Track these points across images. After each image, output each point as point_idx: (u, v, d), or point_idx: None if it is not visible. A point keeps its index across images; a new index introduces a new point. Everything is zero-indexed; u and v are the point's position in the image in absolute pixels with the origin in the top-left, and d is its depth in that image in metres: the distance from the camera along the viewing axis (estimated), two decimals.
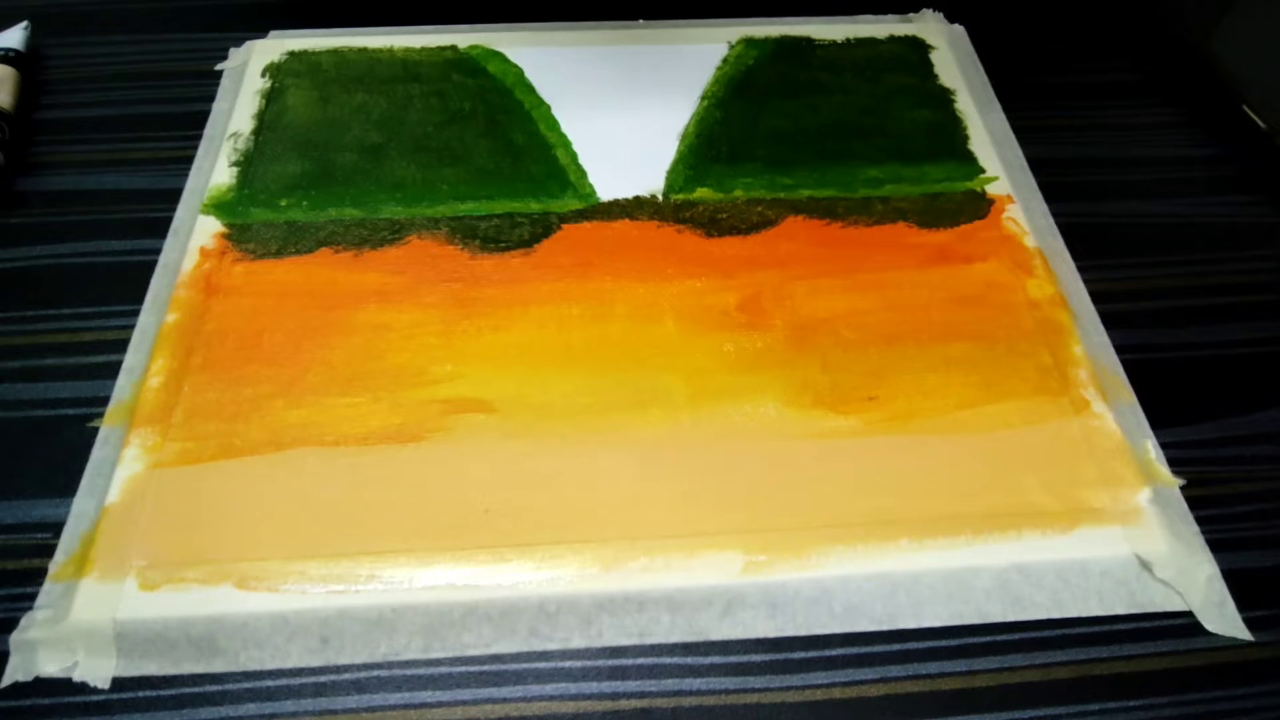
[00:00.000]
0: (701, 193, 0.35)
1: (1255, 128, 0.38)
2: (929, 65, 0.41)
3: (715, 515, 0.27)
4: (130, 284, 0.32)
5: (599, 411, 0.29)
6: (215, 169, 0.36)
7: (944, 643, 0.25)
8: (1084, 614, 0.25)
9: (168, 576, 0.25)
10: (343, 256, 0.33)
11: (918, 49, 0.42)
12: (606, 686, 0.24)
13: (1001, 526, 0.27)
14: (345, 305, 0.32)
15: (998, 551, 0.26)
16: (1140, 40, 0.43)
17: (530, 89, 0.39)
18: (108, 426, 0.28)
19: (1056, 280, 0.33)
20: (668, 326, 0.31)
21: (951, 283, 0.33)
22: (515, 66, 0.40)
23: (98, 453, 0.28)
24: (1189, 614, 0.26)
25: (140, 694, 0.24)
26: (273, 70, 0.40)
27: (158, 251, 0.33)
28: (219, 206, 0.35)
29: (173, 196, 0.35)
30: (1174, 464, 0.28)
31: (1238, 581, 0.26)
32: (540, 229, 0.34)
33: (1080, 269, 0.34)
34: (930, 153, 0.37)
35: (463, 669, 0.24)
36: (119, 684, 0.24)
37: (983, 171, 0.37)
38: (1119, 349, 0.31)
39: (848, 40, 0.42)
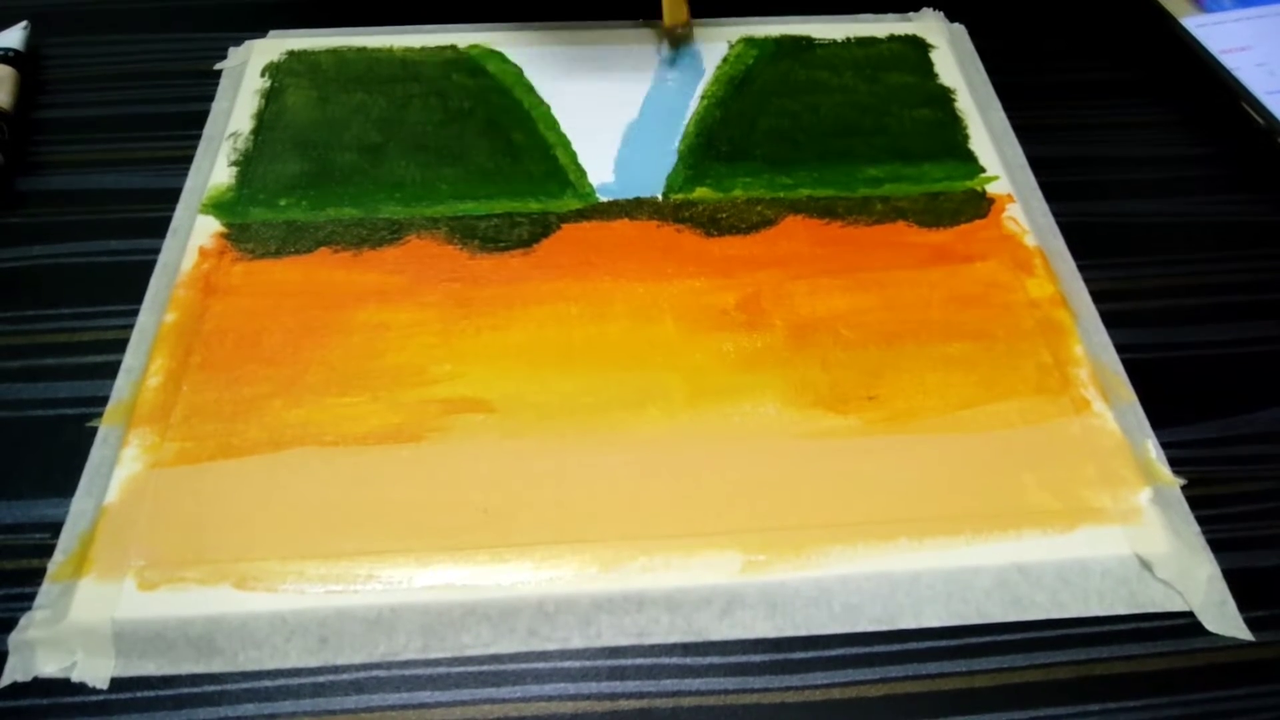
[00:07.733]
0: (701, 192, 0.35)
1: (1254, 127, 0.38)
2: (929, 64, 0.41)
3: (714, 515, 0.27)
4: (129, 284, 0.32)
5: (599, 411, 0.29)
6: (214, 169, 0.36)
7: (944, 643, 0.25)
8: (1084, 614, 0.25)
9: (166, 576, 0.25)
10: (342, 256, 0.33)
11: (918, 48, 0.42)
12: (605, 687, 0.24)
13: (1001, 526, 0.27)
14: (344, 305, 0.32)
15: (998, 551, 0.26)
16: (1140, 40, 0.43)
17: (530, 89, 0.39)
18: (106, 426, 0.28)
19: (1056, 280, 0.33)
20: (667, 326, 0.31)
21: (951, 282, 0.33)
22: (515, 66, 0.40)
23: (96, 453, 0.28)
24: (1189, 614, 0.26)
25: (139, 694, 0.24)
26: (272, 70, 0.40)
27: (157, 251, 0.33)
28: (218, 206, 0.35)
29: (172, 196, 0.35)
30: (1174, 464, 0.28)
31: (1238, 581, 0.26)
32: (540, 229, 0.34)
33: (1080, 269, 0.33)
34: (930, 152, 0.37)
35: (462, 669, 0.24)
36: (117, 684, 0.24)
37: (983, 171, 0.37)
38: (1119, 349, 0.31)
39: (848, 39, 0.42)
